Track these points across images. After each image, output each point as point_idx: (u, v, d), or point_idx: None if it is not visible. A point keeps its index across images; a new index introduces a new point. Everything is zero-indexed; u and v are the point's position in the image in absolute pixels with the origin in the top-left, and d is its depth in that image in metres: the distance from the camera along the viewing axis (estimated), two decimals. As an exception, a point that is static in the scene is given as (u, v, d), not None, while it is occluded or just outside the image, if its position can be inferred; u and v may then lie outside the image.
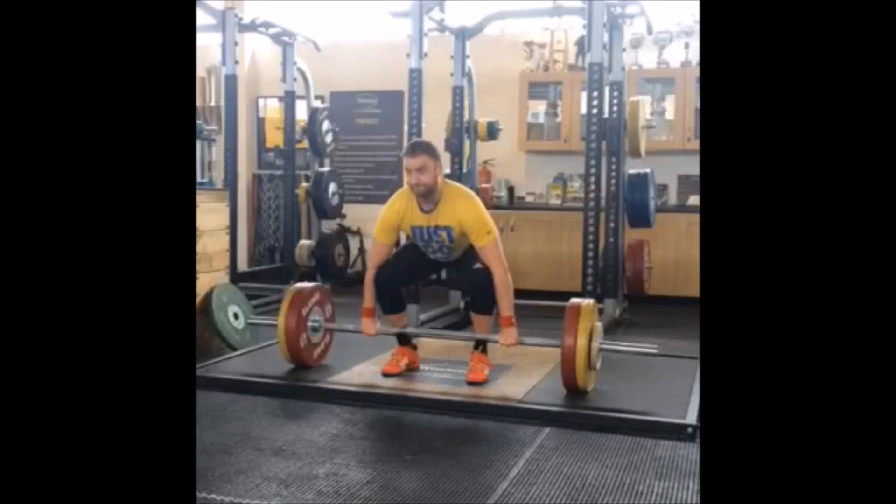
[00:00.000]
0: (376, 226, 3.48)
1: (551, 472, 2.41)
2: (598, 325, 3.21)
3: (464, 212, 3.33)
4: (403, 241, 3.80)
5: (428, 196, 3.34)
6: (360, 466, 2.44)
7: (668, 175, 6.41)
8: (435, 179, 3.30)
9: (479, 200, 3.45)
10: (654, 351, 3.23)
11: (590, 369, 3.12)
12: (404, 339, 3.61)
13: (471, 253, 3.43)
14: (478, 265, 3.37)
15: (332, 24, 7.14)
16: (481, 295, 3.39)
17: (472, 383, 3.32)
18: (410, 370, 3.55)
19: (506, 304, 3.31)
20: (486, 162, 6.52)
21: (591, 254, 4.56)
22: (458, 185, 3.55)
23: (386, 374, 3.47)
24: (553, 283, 5.94)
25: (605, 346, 3.19)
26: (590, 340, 3.06)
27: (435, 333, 4.10)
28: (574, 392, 3.13)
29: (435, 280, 6.43)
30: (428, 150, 3.34)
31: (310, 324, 3.59)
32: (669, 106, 6.37)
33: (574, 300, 3.18)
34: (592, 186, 4.58)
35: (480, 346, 3.51)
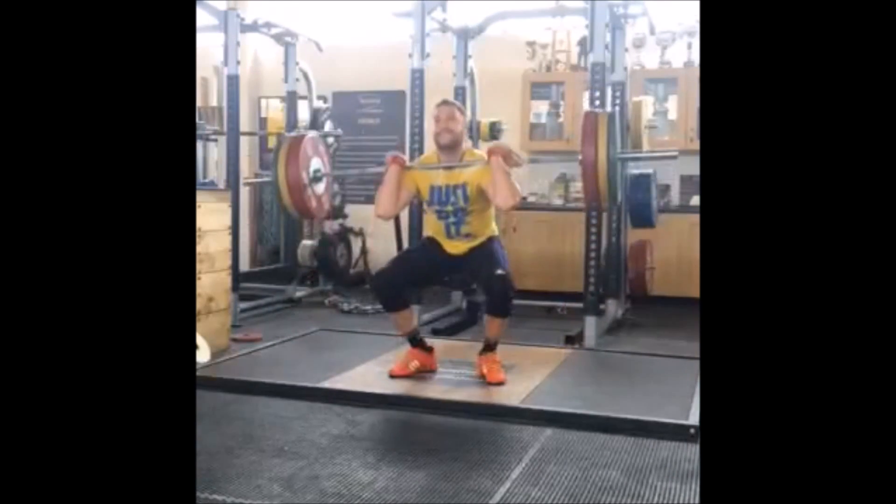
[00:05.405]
0: None
1: (553, 474, 2.41)
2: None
3: (483, 168, 3.43)
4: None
5: (452, 149, 3.49)
6: (363, 468, 2.44)
7: (671, 175, 6.40)
8: (461, 133, 3.51)
9: None
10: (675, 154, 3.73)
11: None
12: (416, 340, 3.59)
13: (489, 258, 3.44)
14: (499, 271, 3.36)
15: (335, 24, 7.12)
16: (500, 300, 3.37)
17: (493, 384, 3.32)
18: (422, 373, 3.50)
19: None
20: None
21: (593, 254, 4.54)
22: (481, 152, 3.63)
23: (393, 376, 3.45)
24: (555, 283, 5.93)
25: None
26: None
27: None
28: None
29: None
30: (459, 106, 3.61)
31: (311, 173, 3.65)
32: (672, 106, 6.35)
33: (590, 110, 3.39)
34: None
35: (489, 347, 3.50)
